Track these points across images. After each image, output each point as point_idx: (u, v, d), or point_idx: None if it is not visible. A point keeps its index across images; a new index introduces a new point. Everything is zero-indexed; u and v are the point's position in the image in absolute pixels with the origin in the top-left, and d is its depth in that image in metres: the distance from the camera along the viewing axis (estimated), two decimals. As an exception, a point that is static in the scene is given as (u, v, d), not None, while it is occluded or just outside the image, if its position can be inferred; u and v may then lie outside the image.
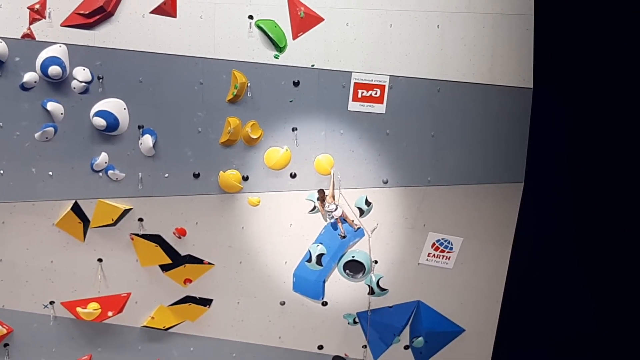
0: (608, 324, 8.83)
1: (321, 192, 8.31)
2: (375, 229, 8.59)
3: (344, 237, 8.53)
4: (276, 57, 7.98)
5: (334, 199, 8.31)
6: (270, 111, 8.12)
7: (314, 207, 8.42)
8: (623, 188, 8.50)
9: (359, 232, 8.59)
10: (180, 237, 8.34)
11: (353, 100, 8.16)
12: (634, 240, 8.53)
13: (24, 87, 7.57)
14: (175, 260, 8.45)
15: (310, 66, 8.04)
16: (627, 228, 8.61)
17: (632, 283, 8.56)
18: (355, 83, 8.12)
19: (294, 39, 7.96)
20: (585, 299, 8.89)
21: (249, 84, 7.96)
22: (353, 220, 8.48)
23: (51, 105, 7.62)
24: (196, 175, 8.16)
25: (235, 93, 7.87)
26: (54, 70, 7.45)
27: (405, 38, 8.07)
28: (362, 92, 8.15)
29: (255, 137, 8.07)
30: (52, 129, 7.69)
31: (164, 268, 8.48)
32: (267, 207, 8.42)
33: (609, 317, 8.81)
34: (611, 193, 8.53)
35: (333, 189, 8.32)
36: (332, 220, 8.46)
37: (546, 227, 8.83)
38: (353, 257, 8.65)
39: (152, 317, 8.66)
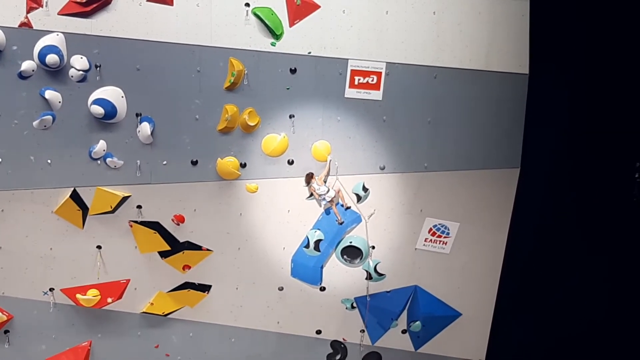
0: (606, 307, 8.86)
1: (308, 176, 8.37)
2: (372, 214, 8.64)
3: (342, 223, 8.58)
4: (273, 44, 7.99)
5: (324, 183, 8.34)
6: (268, 98, 8.14)
7: (311, 194, 8.46)
8: (620, 173, 8.52)
9: (356, 218, 8.64)
10: (178, 224, 8.38)
11: (350, 87, 8.19)
12: (633, 225, 8.55)
13: (22, 76, 7.58)
14: (174, 246, 8.49)
15: (307, 53, 8.06)
16: (626, 212, 8.63)
17: (632, 268, 8.59)
18: (351, 70, 8.14)
19: (290, 26, 7.98)
20: (582, 282, 8.92)
21: (246, 72, 7.98)
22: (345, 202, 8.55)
23: (49, 94, 7.64)
24: (194, 163, 8.19)
25: (232, 80, 7.90)
26: (51, 58, 7.46)
27: (401, 25, 8.09)
28: (359, 79, 8.17)
29: (252, 124, 8.10)
30: (50, 117, 7.71)
31: (163, 255, 8.52)
32: (265, 194, 8.46)
33: (606, 301, 8.84)
34: (608, 178, 8.55)
35: (326, 174, 8.36)
36: (324, 202, 8.48)
37: (542, 212, 8.85)
38: (350, 242, 8.70)
39: (152, 303, 8.71)
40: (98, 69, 7.73)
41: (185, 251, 8.52)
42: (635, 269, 8.36)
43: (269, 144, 8.27)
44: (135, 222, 8.30)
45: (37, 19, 7.50)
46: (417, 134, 8.42)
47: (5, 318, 8.40)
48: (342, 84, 8.18)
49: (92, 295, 8.37)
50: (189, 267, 8.62)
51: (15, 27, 7.48)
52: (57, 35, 7.55)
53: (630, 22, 7.99)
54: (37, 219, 8.12)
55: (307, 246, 8.66)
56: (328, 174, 8.36)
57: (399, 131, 8.40)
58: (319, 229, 8.64)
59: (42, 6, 7.49)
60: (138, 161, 8.08)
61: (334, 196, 8.40)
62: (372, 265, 8.80)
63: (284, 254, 8.75)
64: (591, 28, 8.24)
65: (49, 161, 7.91)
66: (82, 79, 7.72)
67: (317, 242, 8.63)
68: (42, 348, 8.66)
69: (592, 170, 8.45)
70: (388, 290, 9.03)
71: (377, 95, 8.24)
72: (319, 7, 7.96)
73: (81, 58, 7.65)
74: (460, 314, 9.21)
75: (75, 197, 8.07)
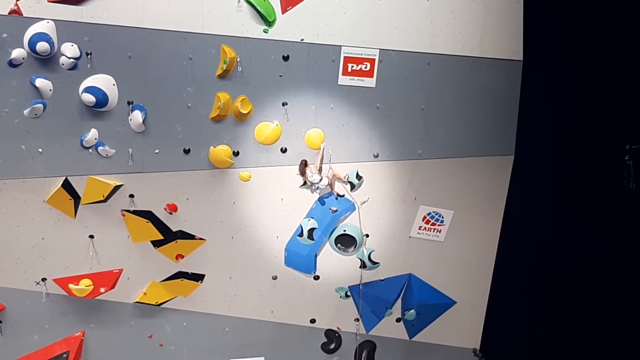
0: (602, 295, 8.87)
1: (301, 165, 8.33)
2: (365, 202, 8.62)
3: (335, 211, 8.56)
4: (265, 31, 7.95)
5: (319, 171, 8.30)
6: (260, 86, 8.11)
7: (305, 182, 8.42)
8: (612, 157, 8.51)
9: (350, 206, 8.62)
10: (171, 213, 8.34)
11: (343, 74, 8.16)
12: (627, 212, 8.55)
13: (12, 64, 7.52)
14: (167, 236, 8.46)
15: (299, 40, 8.02)
16: (619, 197, 8.63)
17: (625, 252, 8.59)
18: (345, 57, 8.11)
19: (283, 13, 7.94)
20: (575, 270, 8.92)
21: (238, 59, 7.93)
22: (337, 191, 8.53)
23: (40, 82, 7.57)
24: (186, 151, 8.15)
25: (224, 68, 7.85)
26: (42, 46, 7.39)
27: (394, 11, 8.06)
28: (352, 66, 8.14)
29: (245, 112, 8.06)
30: (41, 105, 7.65)
31: (156, 244, 8.48)
32: (258, 182, 8.43)
33: (602, 288, 8.85)
34: (601, 164, 8.55)
35: (320, 162, 8.32)
36: (318, 192, 8.46)
37: (536, 199, 8.85)
38: (344, 231, 8.68)
39: (145, 293, 8.67)
40: (89, 56, 7.67)
41: (178, 240, 8.49)
42: (628, 251, 8.35)
43: (262, 132, 8.23)
44: (128, 211, 8.25)
45: (27, 6, 7.43)
46: (411, 121, 8.40)
47: (-3, 308, 8.39)
48: (336, 71, 8.15)
49: (85, 285, 8.34)
50: (182, 257, 8.59)
51: (5, 14, 7.40)
52: (48, 22, 7.48)
53: (625, 9, 7.98)
54: (28, 208, 8.05)
55: (301, 235, 8.63)
56: (322, 161, 8.31)
57: (393, 118, 8.38)
58: (312, 218, 8.62)
59: (32, -7, 7.44)
60: (130, 150, 8.03)
61: (327, 184, 8.35)
62: (366, 253, 8.78)
63: (278, 242, 8.72)
64: (585, 14, 8.22)
65: (40, 150, 7.84)
66: (73, 67, 7.66)
67: (311, 230, 8.60)
68: (35, 338, 8.60)
69: (585, 155, 8.44)
70: (382, 278, 9.02)
71: (370, 82, 8.22)
72: (312, -7, 7.94)
73: (72, 46, 7.59)
74: (455, 302, 9.21)
75: (67, 186, 8.01)
